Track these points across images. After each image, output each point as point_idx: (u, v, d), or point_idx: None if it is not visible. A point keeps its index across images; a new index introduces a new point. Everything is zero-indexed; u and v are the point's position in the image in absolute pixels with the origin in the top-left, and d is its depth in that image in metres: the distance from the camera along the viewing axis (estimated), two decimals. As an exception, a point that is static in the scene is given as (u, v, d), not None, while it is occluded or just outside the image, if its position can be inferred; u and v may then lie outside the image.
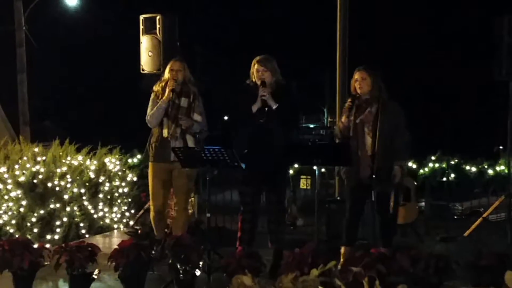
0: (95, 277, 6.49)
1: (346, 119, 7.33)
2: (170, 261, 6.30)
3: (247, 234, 7.51)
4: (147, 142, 8.07)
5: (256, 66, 7.46)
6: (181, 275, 6.23)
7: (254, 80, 7.47)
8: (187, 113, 7.75)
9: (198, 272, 6.34)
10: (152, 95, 7.89)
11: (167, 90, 7.75)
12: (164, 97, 7.74)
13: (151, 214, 7.97)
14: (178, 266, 6.24)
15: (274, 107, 7.30)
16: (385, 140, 7.18)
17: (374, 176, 7.12)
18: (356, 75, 7.43)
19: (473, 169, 11.97)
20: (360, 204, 7.43)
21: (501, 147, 17.25)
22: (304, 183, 12.13)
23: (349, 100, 7.37)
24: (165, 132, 7.70)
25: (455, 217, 13.49)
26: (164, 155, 7.71)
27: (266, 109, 7.32)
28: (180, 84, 7.80)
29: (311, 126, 13.28)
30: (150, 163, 7.95)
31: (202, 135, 7.87)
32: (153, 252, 6.67)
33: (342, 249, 7.38)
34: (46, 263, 6.62)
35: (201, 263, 6.38)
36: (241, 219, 7.57)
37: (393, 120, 7.27)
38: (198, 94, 7.92)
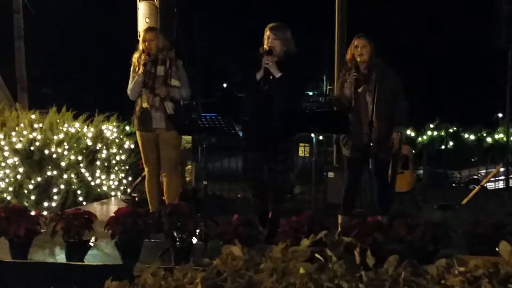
0: (92, 244, 6.46)
1: (351, 90, 7.24)
2: (166, 229, 6.28)
3: (257, 198, 7.50)
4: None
5: (267, 32, 7.38)
6: (178, 243, 6.22)
7: (264, 47, 7.41)
8: (164, 81, 7.79)
9: (194, 240, 6.33)
10: (132, 67, 7.96)
11: (141, 63, 7.79)
12: (139, 71, 7.77)
13: (146, 180, 8.13)
14: (175, 234, 6.22)
15: (277, 76, 7.24)
16: (386, 107, 7.13)
17: (371, 144, 7.08)
18: (357, 42, 7.31)
19: (472, 137, 11.94)
20: (359, 173, 7.40)
21: (500, 115, 17.20)
22: (302, 151, 12.12)
23: (354, 71, 7.24)
24: (144, 103, 7.77)
25: (454, 185, 13.52)
26: (146, 124, 7.87)
27: (270, 77, 7.27)
28: (154, 53, 7.81)
29: (310, 93, 13.19)
30: (137, 132, 8.10)
31: (185, 99, 7.95)
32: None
33: (339, 218, 7.36)
34: (42, 230, 6.60)
35: (197, 231, 6.37)
36: (249, 186, 7.61)
37: (393, 87, 7.23)
38: (176, 59, 7.95)
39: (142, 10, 9.85)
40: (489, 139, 11.83)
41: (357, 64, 7.26)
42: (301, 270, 2.35)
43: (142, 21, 9.82)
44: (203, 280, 2.57)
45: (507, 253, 2.61)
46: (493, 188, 11.89)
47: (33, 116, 10.11)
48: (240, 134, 7.49)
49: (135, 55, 7.93)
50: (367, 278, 2.53)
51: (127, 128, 12.09)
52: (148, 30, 8.10)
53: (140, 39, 8.01)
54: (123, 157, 11.19)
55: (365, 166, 7.28)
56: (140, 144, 8.08)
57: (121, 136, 11.33)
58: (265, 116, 7.26)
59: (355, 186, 7.43)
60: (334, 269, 2.42)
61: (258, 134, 7.34)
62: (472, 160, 13.68)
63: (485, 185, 10.86)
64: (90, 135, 10.51)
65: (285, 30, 7.44)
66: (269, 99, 7.26)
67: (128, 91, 7.92)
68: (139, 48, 7.95)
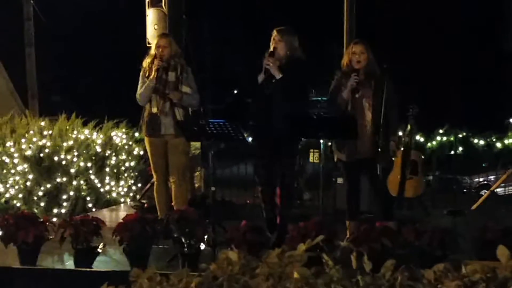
0: (100, 251, 6.49)
1: (348, 94, 7.23)
2: (175, 235, 6.29)
3: (269, 204, 7.51)
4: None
5: (274, 34, 7.40)
6: (186, 249, 6.23)
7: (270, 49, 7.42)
8: (174, 87, 7.81)
9: (203, 246, 6.33)
10: (141, 71, 7.96)
11: (153, 68, 7.79)
12: (151, 76, 7.78)
13: (155, 186, 8.17)
14: (183, 240, 6.23)
15: (277, 77, 7.24)
16: (385, 114, 7.13)
17: (379, 149, 7.08)
18: (354, 48, 7.30)
19: (481, 142, 11.91)
20: (358, 176, 7.40)
21: (511, 120, 17.15)
22: (313, 157, 12.08)
23: (355, 75, 7.23)
24: (154, 109, 7.78)
25: (464, 190, 13.47)
26: (155, 130, 7.88)
27: (273, 80, 7.27)
28: (167, 60, 7.83)
29: (319, 99, 13.14)
30: (145, 137, 8.12)
31: (194, 105, 7.96)
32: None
33: (347, 223, 7.36)
34: (51, 237, 6.62)
35: (206, 237, 6.37)
36: (260, 191, 7.61)
37: (389, 94, 7.21)
38: (187, 67, 7.99)
39: (151, 16, 9.87)
40: (498, 144, 11.80)
41: (354, 70, 7.25)
42: (295, 275, 2.36)
43: (151, 28, 9.84)
44: (198, 285, 2.57)
45: (505, 258, 2.60)
46: (503, 193, 11.84)
47: (42, 123, 10.15)
48: (249, 139, 7.50)
49: (147, 60, 7.94)
50: (364, 283, 2.53)
51: (136, 134, 12.12)
52: (162, 36, 8.11)
53: (153, 44, 8.01)
54: (132, 163, 11.21)
55: (364, 170, 7.30)
56: (148, 151, 8.09)
57: (130, 143, 11.36)
58: (267, 119, 7.27)
59: (356, 190, 7.42)
60: (330, 274, 2.41)
61: (262, 137, 7.36)
62: (483, 165, 13.63)
63: (495, 190, 10.82)
64: (99, 141, 10.53)
65: (292, 35, 7.43)
66: (270, 102, 7.27)
67: (138, 96, 7.90)
68: (150, 53, 7.97)
